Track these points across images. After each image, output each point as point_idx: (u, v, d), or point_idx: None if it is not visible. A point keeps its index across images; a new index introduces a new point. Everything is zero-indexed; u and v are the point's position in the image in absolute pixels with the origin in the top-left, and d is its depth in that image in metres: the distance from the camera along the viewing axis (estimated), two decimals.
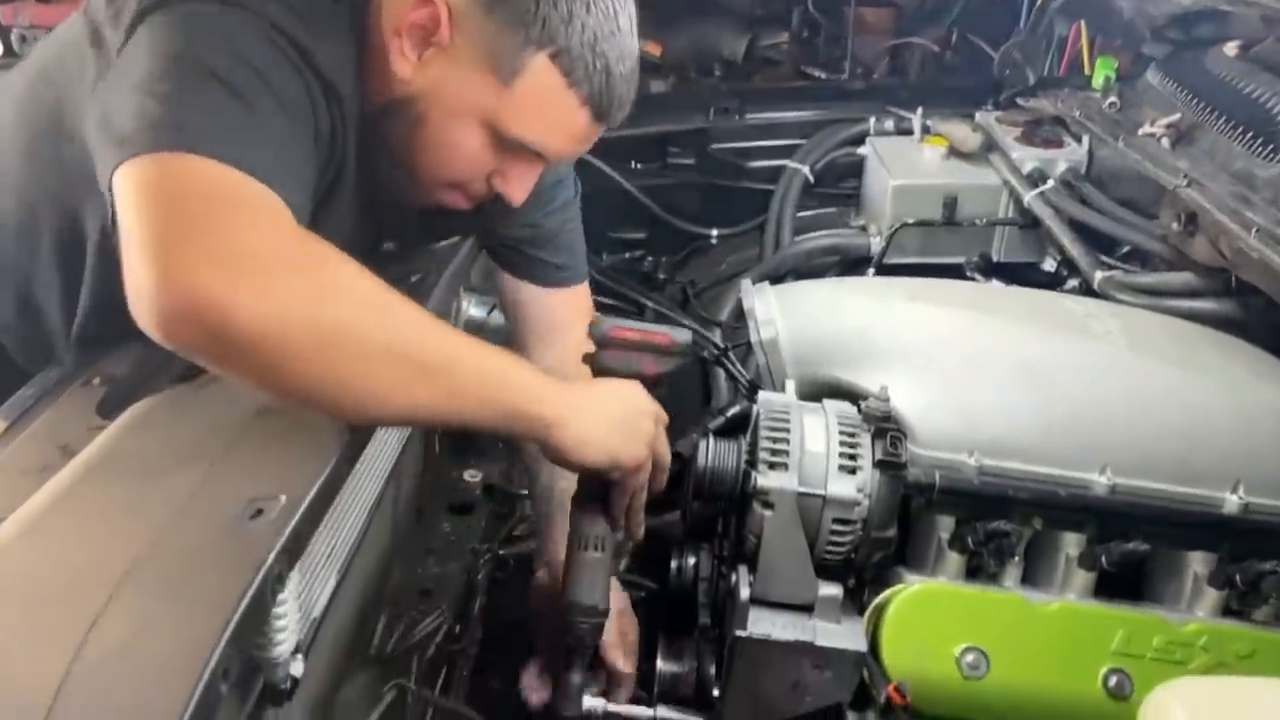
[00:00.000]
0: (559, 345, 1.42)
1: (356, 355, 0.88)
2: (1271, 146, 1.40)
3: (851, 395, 1.21)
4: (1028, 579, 1.19)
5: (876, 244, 2.01)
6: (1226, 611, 1.17)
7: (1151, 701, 0.71)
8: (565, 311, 1.43)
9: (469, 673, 1.52)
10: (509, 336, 1.51)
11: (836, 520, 1.08)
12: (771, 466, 1.08)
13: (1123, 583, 1.20)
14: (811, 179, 2.17)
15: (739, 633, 1.08)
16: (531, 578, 1.47)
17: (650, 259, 2.29)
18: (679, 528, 1.47)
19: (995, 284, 1.35)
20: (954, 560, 1.18)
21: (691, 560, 1.50)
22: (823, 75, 2.72)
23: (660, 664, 1.37)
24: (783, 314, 1.25)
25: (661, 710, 1.21)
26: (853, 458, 1.09)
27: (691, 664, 1.36)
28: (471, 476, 1.93)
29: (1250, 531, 1.15)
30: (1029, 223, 1.93)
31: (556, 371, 1.14)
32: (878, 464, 1.08)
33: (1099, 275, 1.65)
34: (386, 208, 1.21)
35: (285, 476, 0.93)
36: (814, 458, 1.09)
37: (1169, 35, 2.03)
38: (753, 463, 1.10)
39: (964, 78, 2.58)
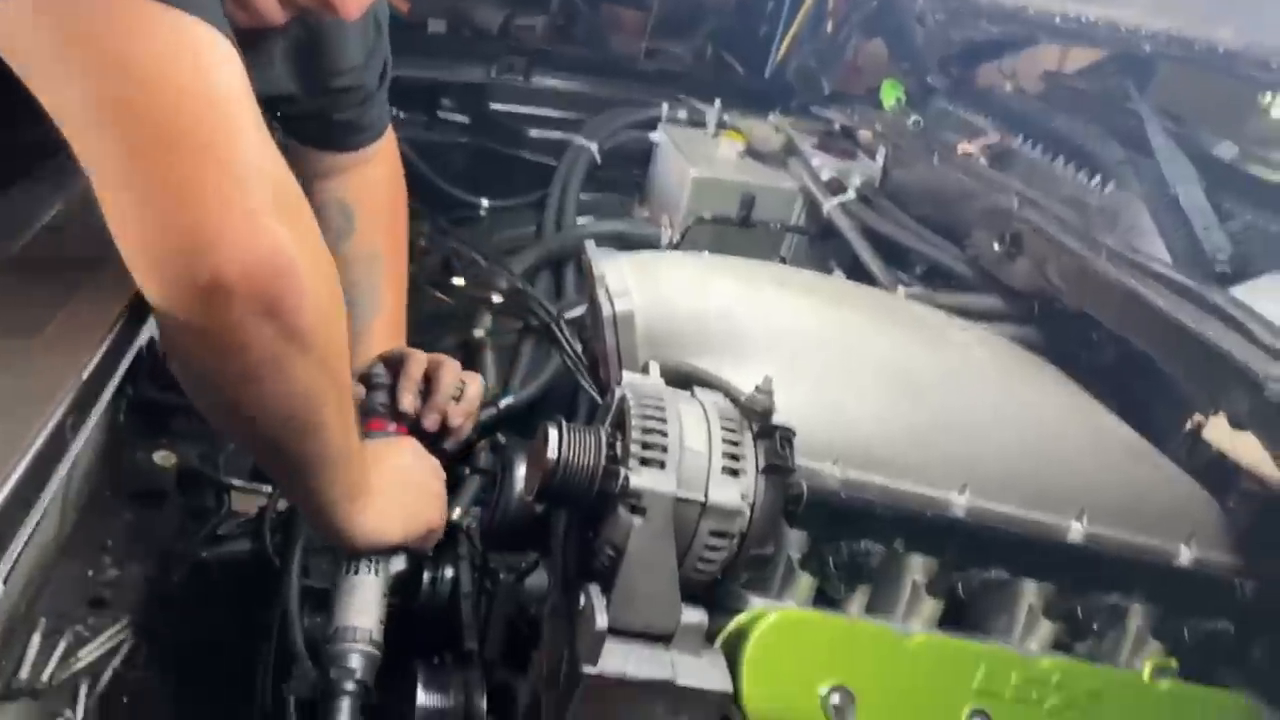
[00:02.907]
0: (388, 216, 1.22)
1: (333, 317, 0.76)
2: (1099, 176, 1.40)
3: (710, 387, 1.04)
4: (869, 606, 1.08)
5: (666, 236, 1.87)
6: (1056, 644, 1.12)
7: None
8: (386, 168, 1.23)
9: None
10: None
11: (714, 533, 0.89)
12: (644, 463, 0.88)
13: (955, 611, 1.12)
14: (599, 159, 1.99)
15: (589, 669, 0.86)
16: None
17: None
18: None
19: (847, 280, 1.24)
20: (805, 583, 1.04)
21: (449, 573, 1.30)
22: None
23: (421, 698, 1.15)
24: (639, 287, 1.05)
25: None
26: (735, 458, 0.91)
27: (459, 698, 1.15)
28: (163, 459, 1.58)
29: (1095, 562, 1.10)
30: (822, 232, 1.87)
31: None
32: (765, 469, 0.91)
33: (901, 291, 1.61)
34: None
35: None
36: (693, 457, 0.90)
37: (952, 69, 2.07)
38: (618, 458, 0.89)
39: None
